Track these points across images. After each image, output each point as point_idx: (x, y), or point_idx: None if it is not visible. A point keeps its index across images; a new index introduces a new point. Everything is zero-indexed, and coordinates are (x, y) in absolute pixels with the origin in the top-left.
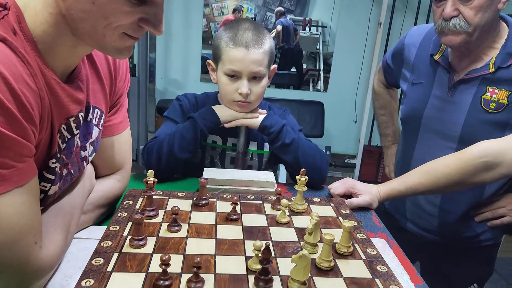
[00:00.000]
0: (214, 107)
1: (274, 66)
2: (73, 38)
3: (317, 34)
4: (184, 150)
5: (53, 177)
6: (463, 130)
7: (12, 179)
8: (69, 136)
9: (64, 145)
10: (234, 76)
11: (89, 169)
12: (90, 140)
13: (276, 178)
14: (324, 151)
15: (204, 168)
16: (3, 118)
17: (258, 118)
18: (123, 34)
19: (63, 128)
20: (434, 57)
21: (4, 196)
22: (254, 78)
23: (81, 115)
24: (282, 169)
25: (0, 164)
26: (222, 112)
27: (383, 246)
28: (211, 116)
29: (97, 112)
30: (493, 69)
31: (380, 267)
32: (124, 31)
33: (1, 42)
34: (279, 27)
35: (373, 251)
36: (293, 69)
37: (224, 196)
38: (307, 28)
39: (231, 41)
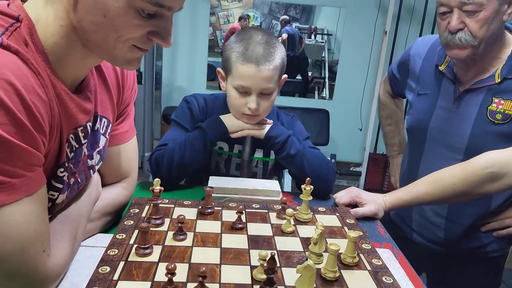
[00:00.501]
0: (221, 117)
1: (284, 76)
2: (83, 50)
3: (323, 42)
4: (195, 159)
5: (61, 186)
6: (469, 141)
7: (22, 188)
8: (77, 146)
9: (72, 154)
10: (243, 91)
11: (95, 178)
12: (97, 149)
13: (281, 186)
14: (329, 159)
15: (210, 177)
16: (14, 128)
17: (265, 129)
18: (133, 46)
19: (71, 137)
20: (439, 67)
21: (13, 204)
22: (263, 93)
23: (89, 125)
24: (287, 177)
25: (10, 173)
26: (230, 122)
27: (388, 257)
28: (219, 126)
29: (104, 122)
30: (499, 80)
31: (385, 278)
32: (134, 44)
33: (14, 54)
34: (284, 36)
35: (379, 262)
36: (299, 77)
37: (230, 205)
38: (313, 36)
39: (241, 56)
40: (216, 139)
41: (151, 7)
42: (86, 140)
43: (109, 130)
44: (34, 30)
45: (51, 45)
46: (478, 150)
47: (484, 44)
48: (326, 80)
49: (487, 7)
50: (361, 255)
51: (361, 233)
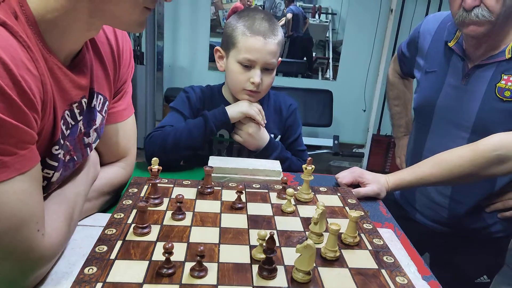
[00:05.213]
0: (226, 107)
1: (279, 59)
2: (89, 20)
3: (327, 22)
4: (191, 146)
5: (56, 164)
6: (477, 119)
7: (14, 166)
8: (72, 123)
9: (68, 131)
10: (247, 65)
11: (93, 157)
12: (94, 127)
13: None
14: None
15: (210, 157)
16: (3, 104)
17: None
18: (144, 8)
19: (67, 114)
20: (449, 44)
21: (6, 183)
22: (266, 69)
23: (84, 101)
24: None
25: (1, 151)
26: (232, 111)
27: (390, 237)
28: (222, 116)
29: (101, 99)
30: (509, 56)
31: (386, 258)
32: (145, 5)
33: (1, 26)
34: (289, 15)
35: (380, 242)
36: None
37: (229, 184)
38: (317, 16)
39: (248, 30)
40: (216, 128)
41: None
42: (81, 117)
43: (105, 108)
44: (25, 1)
45: (51, 18)
46: (486, 128)
47: (501, 19)
48: (330, 60)
49: None
50: (362, 235)
51: (363, 213)
